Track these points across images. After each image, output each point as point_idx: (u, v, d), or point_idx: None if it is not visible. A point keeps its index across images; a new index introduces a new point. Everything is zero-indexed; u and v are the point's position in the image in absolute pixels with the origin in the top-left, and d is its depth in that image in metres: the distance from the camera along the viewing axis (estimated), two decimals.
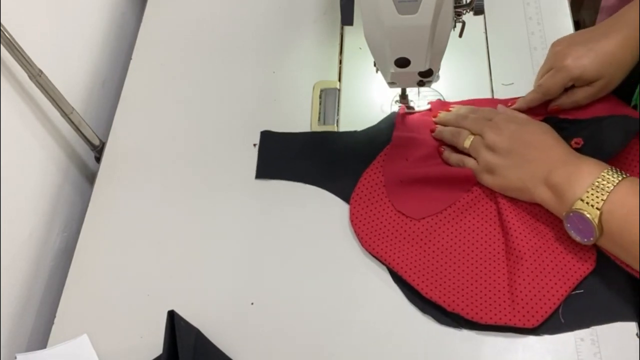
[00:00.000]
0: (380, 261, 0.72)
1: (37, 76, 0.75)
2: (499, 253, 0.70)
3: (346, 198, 0.77)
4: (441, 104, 0.82)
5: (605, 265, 0.67)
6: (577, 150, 0.70)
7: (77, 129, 0.84)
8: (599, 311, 0.65)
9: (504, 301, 0.66)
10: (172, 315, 0.66)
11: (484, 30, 0.89)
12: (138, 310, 0.73)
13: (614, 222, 0.62)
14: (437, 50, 0.68)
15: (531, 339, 0.65)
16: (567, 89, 0.76)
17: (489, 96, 0.83)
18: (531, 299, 0.65)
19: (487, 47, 0.87)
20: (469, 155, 0.75)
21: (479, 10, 0.68)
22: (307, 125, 0.84)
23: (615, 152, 0.69)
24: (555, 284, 0.66)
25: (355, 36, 0.91)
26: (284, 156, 0.81)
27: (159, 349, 0.64)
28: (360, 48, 0.89)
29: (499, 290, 0.67)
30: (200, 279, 0.74)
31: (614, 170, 0.64)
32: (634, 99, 0.77)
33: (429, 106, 0.82)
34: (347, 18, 0.67)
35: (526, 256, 0.68)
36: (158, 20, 0.98)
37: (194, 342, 0.66)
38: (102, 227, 0.79)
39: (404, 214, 0.74)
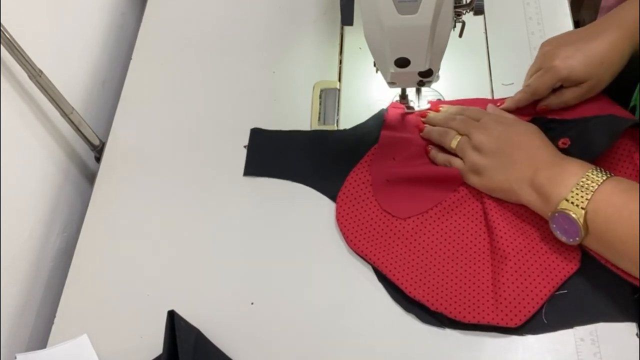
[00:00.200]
0: (365, 260, 0.72)
1: (37, 76, 0.75)
2: (484, 253, 0.70)
3: (333, 196, 0.77)
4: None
5: (589, 265, 0.67)
6: (564, 150, 0.71)
7: (77, 129, 0.84)
8: (582, 312, 0.66)
9: (488, 300, 0.66)
10: (172, 315, 0.66)
11: (484, 30, 0.89)
12: (138, 310, 0.73)
13: (599, 222, 0.62)
14: (437, 50, 0.68)
15: (531, 339, 0.65)
16: (555, 90, 0.76)
17: (489, 96, 0.83)
18: (514, 299, 0.66)
19: (487, 47, 0.87)
20: (456, 155, 0.75)
21: (479, 10, 0.68)
22: (307, 125, 0.84)
23: (602, 151, 0.69)
24: (539, 283, 0.66)
25: (355, 36, 0.91)
26: (273, 154, 0.81)
27: (159, 349, 0.64)
28: (360, 48, 0.89)
29: (483, 290, 0.67)
30: (200, 279, 0.74)
31: (599, 170, 0.64)
32: (633, 99, 0.77)
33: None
34: (347, 18, 0.68)
35: (510, 256, 0.68)
36: (158, 20, 0.98)
37: (194, 342, 0.65)
38: (102, 227, 0.79)
39: (390, 213, 0.74)
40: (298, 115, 0.85)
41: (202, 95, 0.89)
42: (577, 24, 0.87)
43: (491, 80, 0.84)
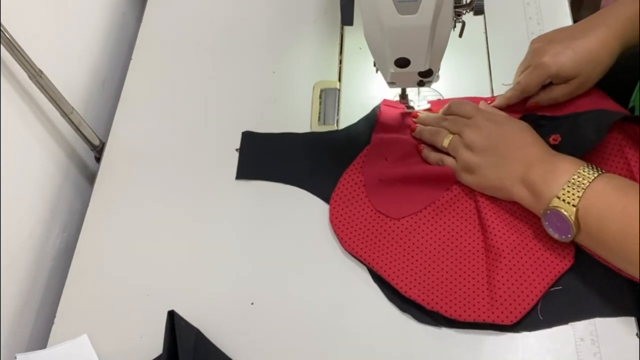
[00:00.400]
0: (360, 261, 0.72)
1: (37, 76, 0.75)
2: (478, 251, 0.70)
3: (327, 198, 0.77)
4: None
5: (583, 261, 0.67)
6: (555, 146, 0.71)
7: (77, 129, 0.84)
8: (577, 307, 0.66)
9: (483, 298, 0.66)
10: (172, 315, 0.66)
11: (484, 30, 0.89)
12: (138, 310, 0.73)
13: (590, 219, 0.62)
14: (437, 50, 0.68)
15: (531, 339, 0.65)
16: (545, 86, 0.76)
17: (488, 96, 0.83)
18: (509, 296, 0.66)
19: (487, 47, 0.87)
20: (448, 154, 0.75)
21: (479, 10, 0.68)
22: (307, 126, 0.84)
23: (592, 146, 0.70)
24: (534, 280, 0.67)
25: (355, 36, 0.91)
26: (265, 157, 0.81)
27: (159, 349, 0.64)
28: (360, 48, 0.89)
29: (478, 288, 0.67)
30: (200, 279, 0.74)
31: (590, 167, 0.64)
32: (632, 99, 0.77)
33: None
34: (347, 18, 0.68)
35: (504, 253, 0.68)
36: (158, 20, 0.98)
37: (194, 342, 0.66)
38: (102, 227, 0.79)
39: (384, 214, 0.74)
40: (298, 116, 0.85)
41: (202, 95, 0.89)
42: None
43: (491, 80, 0.84)
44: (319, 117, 0.84)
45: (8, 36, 0.70)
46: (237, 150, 0.82)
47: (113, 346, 0.70)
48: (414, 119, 0.80)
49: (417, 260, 0.70)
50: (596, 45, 0.72)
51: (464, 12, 0.69)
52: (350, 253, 0.72)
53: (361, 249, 0.72)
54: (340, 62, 0.89)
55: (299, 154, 0.81)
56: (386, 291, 0.70)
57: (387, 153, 0.78)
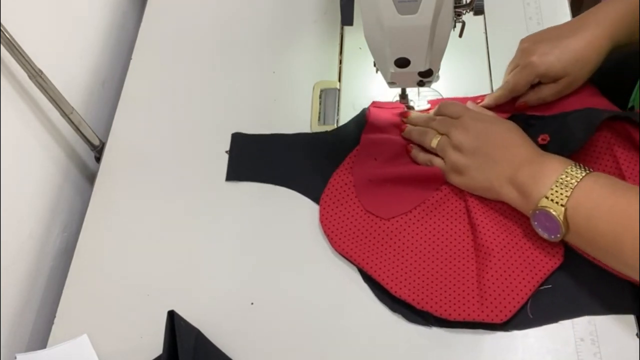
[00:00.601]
0: (350, 261, 0.72)
1: (37, 76, 0.75)
2: (467, 250, 0.70)
3: (316, 199, 0.77)
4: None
5: (573, 260, 0.67)
6: (544, 146, 0.71)
7: (77, 129, 0.84)
8: (567, 306, 0.66)
9: (473, 297, 0.67)
10: (172, 316, 0.66)
11: (484, 30, 0.89)
12: (138, 310, 0.73)
13: (579, 218, 0.62)
14: (437, 51, 0.68)
15: (531, 339, 0.65)
16: (534, 86, 0.76)
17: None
18: (499, 295, 0.66)
19: (487, 47, 0.87)
20: (437, 155, 0.75)
21: (479, 10, 0.68)
22: (307, 126, 0.84)
23: (580, 146, 0.70)
24: (523, 279, 0.67)
25: (355, 36, 0.91)
26: (255, 158, 0.81)
27: (159, 349, 0.64)
28: (360, 48, 0.89)
29: (468, 287, 0.67)
30: (200, 279, 0.74)
31: (578, 166, 0.65)
32: (631, 99, 0.77)
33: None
34: (347, 18, 0.68)
35: (494, 252, 0.68)
36: (158, 20, 0.98)
37: (194, 342, 0.65)
38: (102, 227, 0.79)
39: (373, 214, 0.74)
40: (298, 116, 0.85)
41: (202, 95, 0.89)
42: None
43: (491, 80, 0.84)
44: (319, 117, 0.84)
45: (8, 36, 0.70)
46: (226, 152, 0.82)
47: (113, 346, 0.70)
48: (403, 119, 0.80)
49: (407, 260, 0.70)
50: (585, 44, 0.72)
51: (464, 12, 0.69)
52: (340, 253, 0.72)
53: (351, 249, 0.72)
54: (340, 62, 0.89)
55: (289, 155, 0.81)
56: (376, 291, 0.70)
57: (376, 153, 0.78)
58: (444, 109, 0.77)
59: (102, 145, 0.87)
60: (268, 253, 0.74)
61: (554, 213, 0.63)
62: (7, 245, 0.73)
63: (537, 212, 0.65)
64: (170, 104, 0.89)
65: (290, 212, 0.77)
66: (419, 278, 0.69)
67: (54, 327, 0.73)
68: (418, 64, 0.69)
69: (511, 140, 0.70)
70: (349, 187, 0.76)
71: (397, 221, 0.73)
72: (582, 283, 0.67)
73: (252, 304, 0.71)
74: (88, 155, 0.91)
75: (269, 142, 0.82)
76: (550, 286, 0.67)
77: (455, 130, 0.73)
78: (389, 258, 0.71)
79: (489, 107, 0.78)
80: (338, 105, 0.85)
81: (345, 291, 0.71)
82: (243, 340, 0.69)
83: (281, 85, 0.88)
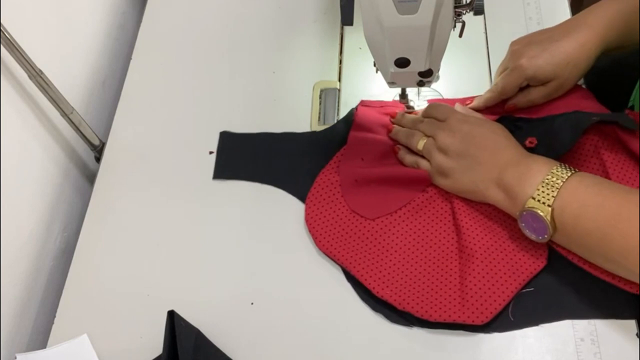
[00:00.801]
0: (334, 261, 0.72)
1: (37, 76, 0.75)
2: (451, 252, 0.70)
3: (303, 198, 0.77)
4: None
5: (556, 263, 0.67)
6: (532, 149, 0.71)
7: (77, 129, 0.84)
8: (548, 309, 0.66)
9: (454, 299, 0.66)
10: (172, 316, 0.66)
11: (484, 30, 0.89)
12: (138, 310, 0.73)
13: (566, 218, 0.63)
14: (437, 51, 0.68)
15: (531, 339, 0.65)
16: (523, 88, 0.76)
17: None
18: (481, 296, 0.66)
19: (487, 47, 0.87)
20: (424, 157, 0.75)
21: (479, 10, 0.68)
22: (307, 125, 0.84)
23: (567, 149, 0.70)
24: (506, 281, 0.67)
25: (355, 36, 0.91)
26: (243, 156, 0.81)
27: (159, 349, 0.64)
28: (360, 48, 0.89)
29: (450, 288, 0.67)
30: (200, 279, 0.74)
31: (564, 167, 0.65)
32: (631, 99, 0.77)
33: None
34: (347, 18, 0.68)
35: (477, 254, 0.68)
36: (158, 20, 0.98)
37: (194, 342, 0.66)
38: (102, 227, 0.79)
39: (359, 214, 0.74)
40: (298, 115, 0.85)
41: (202, 95, 0.89)
42: None
43: (491, 80, 0.84)
44: (319, 117, 0.84)
45: (8, 36, 0.70)
46: (210, 153, 0.82)
47: (113, 346, 0.70)
48: (391, 119, 0.80)
49: (390, 261, 0.70)
50: (574, 47, 0.72)
51: (464, 12, 0.69)
52: (324, 253, 0.72)
53: (335, 248, 0.72)
54: (340, 62, 0.89)
55: (276, 153, 0.81)
56: (359, 291, 0.70)
57: (363, 153, 0.78)
58: (431, 111, 0.76)
59: (102, 145, 0.88)
60: (267, 253, 0.74)
61: (541, 214, 0.63)
62: (7, 245, 0.73)
63: (525, 213, 0.65)
64: (170, 104, 0.89)
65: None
66: (401, 278, 0.69)
67: (54, 327, 0.73)
68: (418, 64, 0.69)
69: (496, 142, 0.70)
70: (335, 187, 0.76)
71: (382, 221, 0.73)
72: (564, 287, 0.67)
73: (252, 304, 0.71)
74: (88, 155, 0.91)
75: (256, 140, 0.82)
76: (532, 289, 0.67)
77: (441, 133, 0.73)
78: (373, 258, 0.71)
79: (478, 109, 0.78)
80: (338, 105, 0.85)
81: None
82: (243, 340, 0.69)
83: (281, 85, 0.88)
